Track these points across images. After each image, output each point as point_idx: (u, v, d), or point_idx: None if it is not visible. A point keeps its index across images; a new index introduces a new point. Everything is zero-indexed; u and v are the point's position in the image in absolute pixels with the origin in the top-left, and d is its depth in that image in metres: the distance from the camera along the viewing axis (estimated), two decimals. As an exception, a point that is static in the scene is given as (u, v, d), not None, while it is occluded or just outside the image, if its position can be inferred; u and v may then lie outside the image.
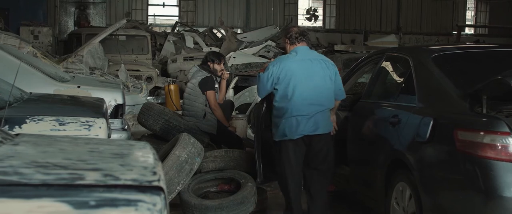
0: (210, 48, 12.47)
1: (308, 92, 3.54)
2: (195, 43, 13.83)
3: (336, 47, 13.73)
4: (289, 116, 3.55)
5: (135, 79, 8.85)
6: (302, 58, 3.61)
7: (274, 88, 3.60)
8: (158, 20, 18.32)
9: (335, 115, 3.79)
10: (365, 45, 15.44)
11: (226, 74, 5.32)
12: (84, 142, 2.15)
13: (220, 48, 12.91)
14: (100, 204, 1.46)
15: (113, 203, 1.48)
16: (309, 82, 3.56)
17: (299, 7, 19.02)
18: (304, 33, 3.68)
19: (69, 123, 3.34)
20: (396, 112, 3.39)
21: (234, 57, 11.34)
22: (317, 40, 17.15)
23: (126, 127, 4.85)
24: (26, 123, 3.27)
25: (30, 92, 3.84)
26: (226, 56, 10.77)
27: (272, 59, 6.08)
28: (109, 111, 4.40)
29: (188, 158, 3.62)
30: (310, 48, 3.75)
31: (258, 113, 4.02)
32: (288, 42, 3.67)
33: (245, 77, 8.64)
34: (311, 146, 3.59)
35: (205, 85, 5.03)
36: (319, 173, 3.63)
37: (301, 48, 3.64)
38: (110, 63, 8.99)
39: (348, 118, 4.03)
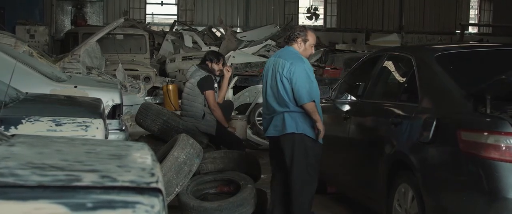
0: (209, 48, 12.42)
1: (268, 93, 3.65)
2: (194, 42, 13.78)
3: (337, 47, 13.71)
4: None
5: (133, 79, 8.81)
6: (275, 57, 3.66)
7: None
8: (156, 19, 18.28)
9: (317, 117, 3.49)
10: (367, 45, 15.38)
11: (228, 70, 5.26)
12: (81, 143, 2.13)
13: (219, 47, 12.85)
14: (97, 206, 1.45)
15: (111, 205, 1.46)
16: (270, 82, 3.62)
17: (299, 6, 18.99)
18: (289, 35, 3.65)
19: (65, 123, 3.32)
20: (399, 112, 3.37)
21: (234, 57, 11.30)
22: (318, 39, 17.03)
23: (123, 128, 4.83)
24: (22, 123, 3.25)
25: (26, 93, 3.81)
26: (225, 56, 10.72)
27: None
28: (106, 111, 4.37)
29: (186, 159, 3.60)
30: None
31: None
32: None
33: (245, 77, 8.62)
34: (279, 147, 3.59)
35: (204, 85, 5.00)
36: (291, 177, 3.56)
37: (284, 49, 3.70)
38: (107, 62, 8.94)
39: (349, 118, 4.00)
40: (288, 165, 3.57)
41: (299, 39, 3.60)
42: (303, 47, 3.62)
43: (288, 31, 3.71)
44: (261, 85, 7.56)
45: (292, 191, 3.58)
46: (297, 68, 3.48)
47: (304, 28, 3.71)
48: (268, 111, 3.64)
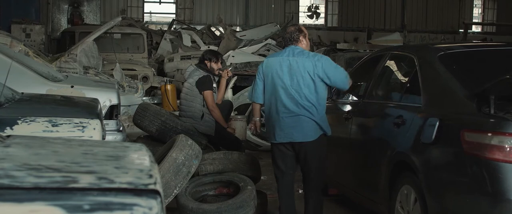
0: (208, 47, 12.39)
1: (280, 94, 3.63)
2: (193, 41, 13.74)
3: (339, 46, 13.65)
4: None
5: (130, 79, 8.77)
6: (282, 57, 3.67)
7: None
8: (154, 18, 18.21)
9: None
10: (369, 44, 15.29)
11: (227, 72, 5.21)
12: (77, 144, 2.11)
13: (218, 46, 12.82)
14: (94, 208, 1.44)
15: (108, 207, 1.45)
16: (285, 82, 3.62)
17: (300, 4, 18.88)
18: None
19: (62, 124, 3.30)
20: (401, 112, 3.34)
21: (233, 56, 11.26)
22: (318, 38, 17.04)
23: (121, 128, 4.80)
24: (17, 124, 3.23)
25: (22, 93, 3.79)
26: (224, 55, 10.69)
27: None
28: (103, 112, 4.35)
29: (185, 160, 3.57)
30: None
31: None
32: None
33: (245, 77, 8.57)
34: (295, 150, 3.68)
35: (203, 85, 4.96)
36: (312, 176, 3.67)
37: (291, 48, 3.68)
38: (104, 62, 8.91)
39: (350, 119, 3.97)
40: (310, 166, 3.59)
41: (301, 36, 3.65)
42: (306, 42, 3.68)
43: (286, 34, 3.69)
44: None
45: (312, 189, 3.61)
46: (325, 60, 3.56)
47: (299, 26, 3.79)
48: (281, 112, 3.53)
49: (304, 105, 3.50)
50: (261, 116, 3.95)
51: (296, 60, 3.54)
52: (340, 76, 3.54)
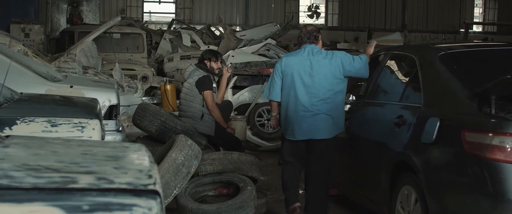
0: (208, 47, 12.36)
1: (299, 92, 3.77)
2: (193, 41, 13.70)
3: (339, 46, 13.63)
4: None
5: (130, 78, 8.74)
6: (302, 56, 3.81)
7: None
8: (154, 18, 18.16)
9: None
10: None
11: (228, 70, 5.20)
12: (77, 144, 2.10)
13: (218, 46, 12.77)
14: (94, 209, 1.43)
15: (107, 208, 1.44)
16: (307, 81, 3.77)
17: (300, 4, 18.81)
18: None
19: (61, 124, 3.28)
20: (401, 112, 3.34)
21: (233, 56, 11.24)
22: (319, 38, 16.90)
23: (120, 128, 4.78)
24: (16, 124, 3.22)
25: (21, 93, 3.77)
26: (224, 55, 10.65)
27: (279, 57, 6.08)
28: (103, 112, 4.34)
29: (185, 160, 3.56)
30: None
31: None
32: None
33: (245, 77, 8.54)
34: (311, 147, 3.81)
35: (202, 85, 4.95)
36: (320, 170, 3.78)
37: (309, 47, 3.82)
38: (104, 62, 8.88)
39: (351, 119, 3.96)
40: (321, 164, 3.70)
41: (319, 36, 3.84)
42: (321, 42, 3.86)
43: (304, 33, 3.80)
44: (260, 85, 7.52)
45: (319, 183, 3.71)
46: (342, 55, 3.73)
47: (316, 27, 3.98)
48: (300, 110, 3.66)
49: (323, 103, 3.63)
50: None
51: (316, 60, 3.67)
52: (359, 66, 3.68)
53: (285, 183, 3.79)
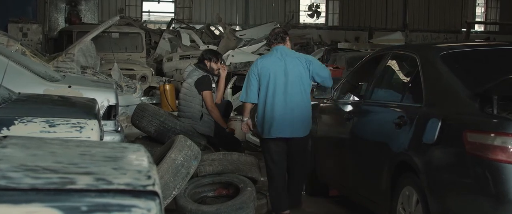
0: (208, 46, 12.35)
1: (277, 92, 3.95)
2: (192, 41, 13.69)
3: (340, 45, 13.61)
4: None
5: (128, 78, 8.73)
6: (275, 57, 3.96)
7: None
8: (153, 17, 18.14)
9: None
10: (370, 43, 15.22)
11: (224, 68, 5.19)
12: (75, 145, 2.09)
13: (218, 46, 12.77)
14: (92, 210, 1.42)
15: (106, 209, 1.42)
16: (286, 80, 3.92)
17: (300, 3, 18.79)
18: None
19: (59, 124, 3.27)
20: (402, 113, 3.32)
21: (233, 56, 11.24)
22: (319, 37, 16.97)
23: (119, 129, 4.77)
24: (14, 124, 3.21)
25: (19, 93, 3.76)
26: (224, 55, 10.64)
27: None
28: (101, 112, 4.33)
29: (184, 161, 3.55)
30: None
31: None
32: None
33: (244, 77, 8.51)
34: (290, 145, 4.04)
35: (202, 85, 4.94)
36: (298, 167, 4.06)
37: (281, 48, 3.97)
38: (102, 62, 8.86)
39: (351, 119, 3.94)
40: (300, 158, 3.92)
41: (287, 37, 3.96)
42: (289, 43, 4.01)
43: (272, 35, 4.00)
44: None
45: (297, 181, 3.97)
46: (314, 61, 3.96)
47: (283, 28, 4.23)
48: (277, 110, 3.80)
49: (298, 103, 3.80)
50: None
51: (289, 61, 3.83)
52: (327, 75, 3.94)
53: (276, 188, 3.92)
